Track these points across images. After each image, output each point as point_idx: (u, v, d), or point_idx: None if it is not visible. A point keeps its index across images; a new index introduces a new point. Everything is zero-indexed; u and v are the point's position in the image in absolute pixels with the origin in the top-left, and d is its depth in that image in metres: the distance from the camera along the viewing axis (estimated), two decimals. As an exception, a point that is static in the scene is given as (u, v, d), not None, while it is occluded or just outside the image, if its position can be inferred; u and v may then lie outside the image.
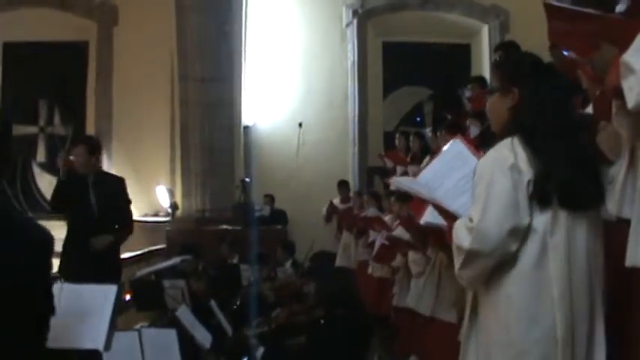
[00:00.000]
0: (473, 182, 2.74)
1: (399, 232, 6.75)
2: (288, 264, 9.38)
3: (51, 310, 2.43)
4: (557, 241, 2.60)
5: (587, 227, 2.67)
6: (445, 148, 3.21)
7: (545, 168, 2.60)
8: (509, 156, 2.62)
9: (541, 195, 2.60)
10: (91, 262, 5.85)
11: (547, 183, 2.59)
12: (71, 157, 6.33)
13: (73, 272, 5.54)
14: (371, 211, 9.52)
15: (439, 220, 3.17)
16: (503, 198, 2.58)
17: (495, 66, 3.01)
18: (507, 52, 6.66)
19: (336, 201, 11.74)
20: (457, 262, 2.70)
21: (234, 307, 7.55)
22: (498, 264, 2.62)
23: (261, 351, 5.59)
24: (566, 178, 2.62)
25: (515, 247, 2.59)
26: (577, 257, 2.63)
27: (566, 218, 2.63)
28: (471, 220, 2.63)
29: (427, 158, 7.09)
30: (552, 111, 2.71)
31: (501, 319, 2.62)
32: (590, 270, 2.65)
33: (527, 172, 2.60)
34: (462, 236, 2.65)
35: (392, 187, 2.92)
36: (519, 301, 2.59)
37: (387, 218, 8.04)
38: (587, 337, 2.62)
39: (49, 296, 2.42)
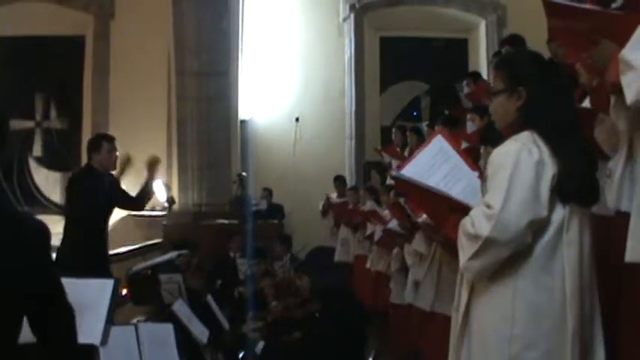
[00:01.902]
0: (487, 171, 2.73)
1: (394, 224, 6.79)
2: (286, 258, 9.38)
3: (64, 305, 2.40)
4: (572, 237, 2.62)
5: (589, 222, 2.69)
6: (428, 144, 3.21)
7: (566, 165, 2.61)
8: (534, 149, 2.62)
9: (564, 191, 2.61)
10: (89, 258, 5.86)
11: (569, 180, 2.60)
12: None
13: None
14: (368, 206, 9.53)
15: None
16: (526, 189, 2.57)
17: (497, 67, 2.98)
18: (509, 49, 6.68)
19: (333, 196, 11.74)
20: (468, 252, 2.66)
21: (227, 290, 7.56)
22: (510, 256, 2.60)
23: (261, 345, 5.59)
24: (584, 175, 2.64)
25: (530, 240, 2.59)
26: (586, 252, 2.65)
27: (579, 214, 2.64)
28: (488, 207, 2.60)
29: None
30: (563, 108, 2.72)
31: (507, 313, 2.61)
32: (592, 265, 2.67)
33: (551, 167, 2.61)
34: (479, 224, 2.61)
35: (393, 174, 2.90)
36: (530, 294, 2.59)
37: (384, 213, 8.04)
38: (590, 337, 2.64)
39: (60, 292, 2.38)
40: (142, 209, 7.10)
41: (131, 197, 6.70)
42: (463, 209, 2.79)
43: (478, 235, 2.60)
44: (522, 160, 2.60)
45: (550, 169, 2.61)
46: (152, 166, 6.72)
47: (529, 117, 2.72)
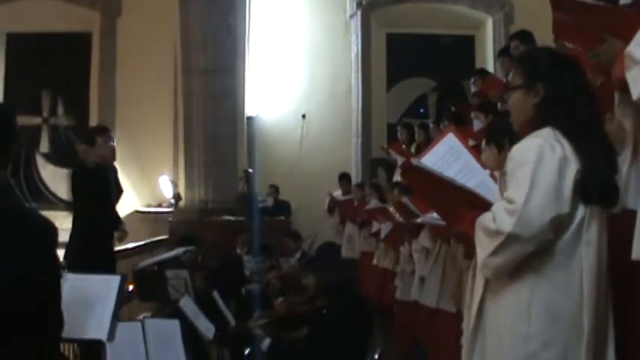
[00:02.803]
0: (507, 167, 2.69)
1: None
2: (297, 255, 9.39)
3: (57, 303, 2.39)
4: (591, 236, 2.59)
5: (606, 223, 2.66)
6: (439, 142, 3.19)
7: (589, 165, 2.57)
8: (557, 145, 2.59)
9: (587, 191, 2.57)
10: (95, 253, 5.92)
11: (592, 180, 2.57)
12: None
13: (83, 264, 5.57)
14: (373, 203, 9.52)
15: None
16: (550, 185, 2.54)
17: (516, 62, 2.94)
18: (525, 44, 6.65)
19: (337, 193, 11.73)
20: (487, 249, 2.61)
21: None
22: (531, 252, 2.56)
23: (267, 342, 5.60)
24: (606, 176, 2.61)
25: (552, 236, 2.55)
26: (604, 254, 2.62)
27: (599, 213, 2.62)
28: (510, 202, 2.56)
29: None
30: (581, 105, 2.68)
31: (523, 311, 2.58)
32: (607, 265, 2.65)
33: (574, 164, 2.58)
34: (500, 219, 2.56)
35: (413, 162, 2.85)
36: (547, 293, 2.57)
37: (391, 209, 8.04)
38: (603, 336, 2.62)
39: (58, 291, 2.37)
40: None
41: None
42: (482, 204, 2.74)
43: (500, 230, 2.55)
44: (545, 156, 2.56)
45: (573, 166, 2.57)
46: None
47: (546, 114, 2.69)
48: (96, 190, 6.13)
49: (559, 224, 2.56)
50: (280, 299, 7.19)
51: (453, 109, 8.71)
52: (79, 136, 6.80)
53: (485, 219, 2.64)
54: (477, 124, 6.54)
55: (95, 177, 6.20)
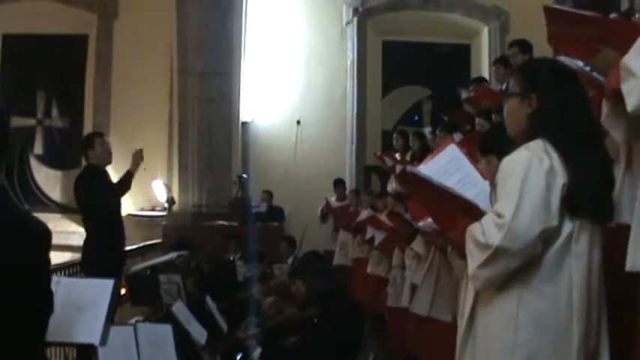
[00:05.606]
0: (497, 179, 2.69)
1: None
2: (290, 260, 9.37)
3: (49, 307, 2.39)
4: (581, 249, 2.59)
5: (599, 238, 2.66)
6: (441, 152, 3.20)
7: (577, 179, 2.57)
8: (545, 158, 2.59)
9: (573, 205, 2.57)
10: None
11: (579, 194, 2.57)
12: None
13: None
14: (365, 213, 9.51)
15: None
16: (537, 198, 2.54)
17: (517, 70, 2.95)
18: (524, 52, 6.67)
19: (332, 199, 11.73)
20: (477, 260, 2.62)
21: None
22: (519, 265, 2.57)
23: (258, 351, 5.59)
24: (597, 192, 2.60)
25: (540, 249, 2.56)
26: (595, 265, 2.62)
27: (589, 227, 2.61)
28: (499, 216, 2.57)
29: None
30: (576, 119, 2.67)
31: (510, 321, 2.59)
32: (600, 278, 2.65)
33: (562, 176, 2.58)
34: (489, 233, 2.57)
35: (408, 169, 2.86)
36: (534, 304, 2.57)
37: (382, 218, 8.04)
38: (595, 348, 2.63)
39: (48, 293, 2.38)
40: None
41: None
42: (476, 212, 2.75)
43: (489, 244, 2.56)
44: (533, 169, 2.57)
45: (561, 179, 2.57)
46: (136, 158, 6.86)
47: (538, 125, 2.69)
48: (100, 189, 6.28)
49: (547, 237, 2.57)
50: (269, 299, 7.16)
51: (445, 118, 8.72)
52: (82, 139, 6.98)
53: (475, 231, 2.65)
54: (458, 136, 6.52)
55: (97, 178, 6.35)
